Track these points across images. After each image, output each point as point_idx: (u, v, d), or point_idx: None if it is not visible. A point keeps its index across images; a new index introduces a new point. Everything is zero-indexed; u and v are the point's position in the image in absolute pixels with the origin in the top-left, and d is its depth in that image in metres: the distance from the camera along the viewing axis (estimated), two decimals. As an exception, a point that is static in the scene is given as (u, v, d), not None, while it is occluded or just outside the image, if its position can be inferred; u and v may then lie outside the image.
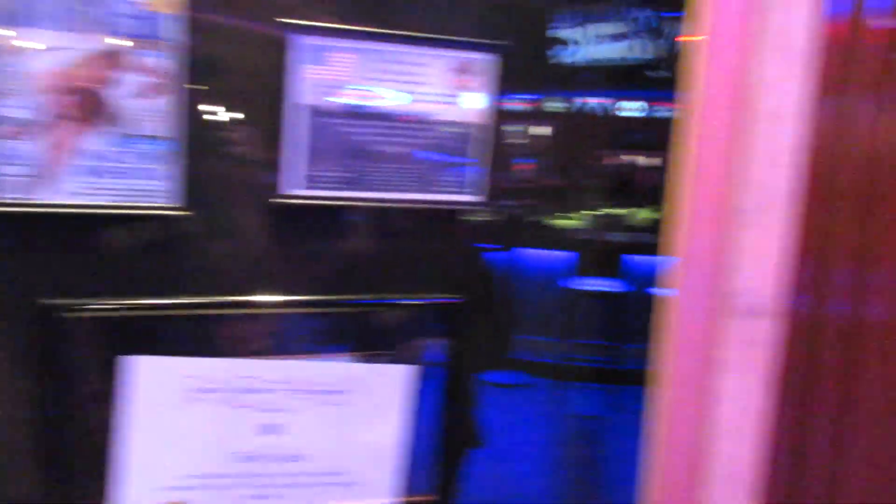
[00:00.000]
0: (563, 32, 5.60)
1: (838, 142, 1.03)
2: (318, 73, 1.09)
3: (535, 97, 6.13)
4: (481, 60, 1.13)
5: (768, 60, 0.93)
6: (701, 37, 0.92)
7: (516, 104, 6.18)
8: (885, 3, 1.03)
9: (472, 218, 1.42)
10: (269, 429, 1.16)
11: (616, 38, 5.48)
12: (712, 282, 0.98)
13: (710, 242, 0.97)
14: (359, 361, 1.21)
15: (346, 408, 1.19)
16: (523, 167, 6.08)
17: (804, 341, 1.07)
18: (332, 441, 1.19)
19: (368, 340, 1.21)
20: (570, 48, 5.60)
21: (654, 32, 5.41)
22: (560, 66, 5.68)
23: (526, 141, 6.18)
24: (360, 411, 1.20)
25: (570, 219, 5.35)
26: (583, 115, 6.20)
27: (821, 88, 0.99)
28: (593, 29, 5.55)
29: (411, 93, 1.13)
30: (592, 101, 6.16)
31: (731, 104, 0.94)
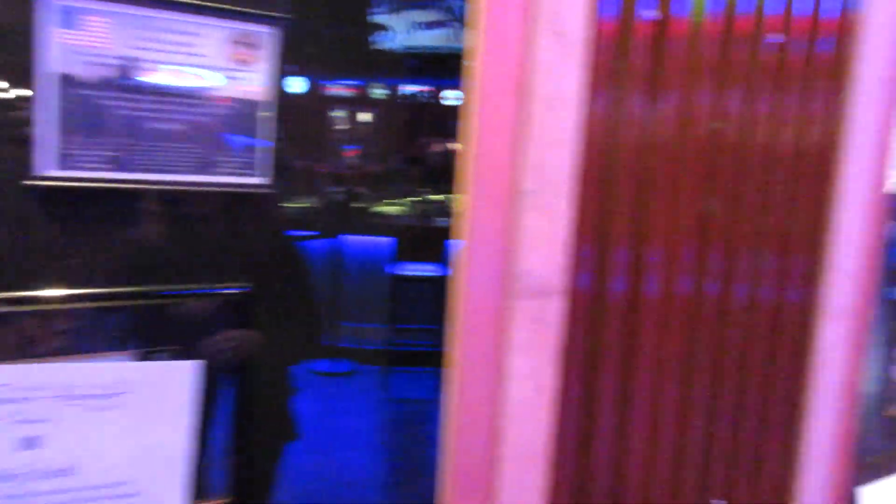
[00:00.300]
0: (381, 18, 5.58)
1: (615, 128, 1.08)
2: (75, 39, 0.97)
3: (355, 83, 6.07)
4: (261, 33, 1.06)
5: (545, 45, 0.95)
6: (482, 20, 0.92)
7: (339, 89, 6.08)
8: (656, -3, 1.09)
9: (279, 204, 1.34)
10: (29, 442, 1.02)
11: (432, 25, 5.55)
12: (500, 263, 0.99)
13: (497, 224, 0.98)
14: (137, 359, 1.10)
15: (123, 412, 1.08)
16: (347, 153, 6.01)
17: (588, 318, 1.11)
18: (108, 450, 1.08)
19: (145, 336, 1.11)
20: (388, 34, 5.59)
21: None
22: (379, 52, 5.66)
23: (346, 127, 6.10)
24: (141, 414, 1.09)
25: (393, 205, 5.36)
26: (403, 102, 6.23)
27: (597, 76, 1.03)
28: (409, 16, 5.57)
29: (185, 65, 1.03)
30: (412, 88, 6.21)
31: (512, 88, 0.95)
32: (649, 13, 1.07)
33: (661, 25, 1.09)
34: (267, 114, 1.10)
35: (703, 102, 1.15)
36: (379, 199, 5.49)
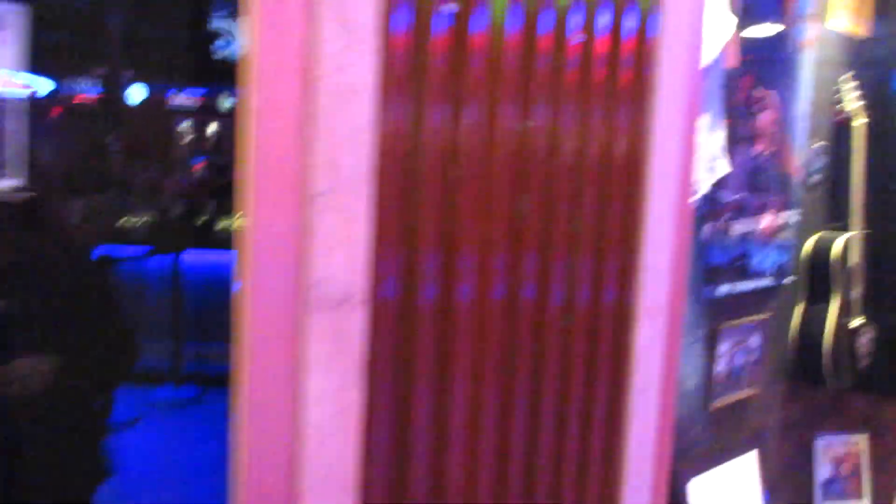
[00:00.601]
0: (219, 24, 5.34)
1: (417, 129, 1.02)
2: None
3: (193, 90, 5.76)
4: (4, 14, 0.92)
5: (330, 35, 0.87)
6: (257, 7, 0.83)
7: (177, 98, 5.77)
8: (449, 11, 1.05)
9: (69, 213, 1.18)
10: None
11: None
12: (292, 272, 0.91)
13: (287, 230, 0.89)
14: None
15: None
16: (188, 164, 5.68)
17: (396, 328, 1.05)
18: None
19: None
20: (228, 41, 5.36)
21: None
22: (219, 60, 5.41)
23: (187, 137, 5.78)
24: None
25: (240, 218, 5.12)
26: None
27: (393, 72, 0.97)
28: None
29: None
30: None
31: (296, 81, 0.87)
32: (448, 8, 1.02)
33: (461, 29, 1.05)
34: (17, 108, 0.95)
35: (508, 111, 1.13)
36: (224, 213, 5.23)
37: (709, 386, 2.38)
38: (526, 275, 1.22)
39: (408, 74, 0.99)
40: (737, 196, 2.25)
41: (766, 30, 2.25)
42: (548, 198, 1.24)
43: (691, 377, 2.27)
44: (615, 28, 1.28)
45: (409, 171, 1.02)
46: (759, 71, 2.22)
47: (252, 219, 0.87)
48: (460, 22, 1.04)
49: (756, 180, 2.33)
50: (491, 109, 1.10)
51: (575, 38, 1.21)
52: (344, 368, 0.97)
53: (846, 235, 2.72)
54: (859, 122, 2.71)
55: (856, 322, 2.83)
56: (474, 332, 1.15)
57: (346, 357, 0.97)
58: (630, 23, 1.30)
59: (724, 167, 2.04)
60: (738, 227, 2.31)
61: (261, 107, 0.86)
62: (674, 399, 1.58)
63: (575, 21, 1.21)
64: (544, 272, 1.25)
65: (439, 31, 1.02)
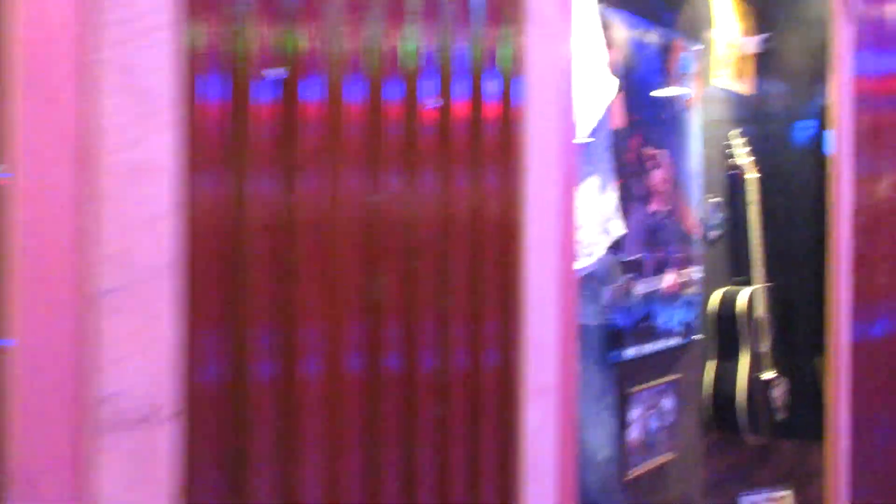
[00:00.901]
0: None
1: (239, 207, 0.90)
2: None
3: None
4: None
5: (116, 105, 0.75)
6: (18, 61, 0.70)
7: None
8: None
9: None
10: None
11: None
12: (72, 390, 0.75)
13: (63, 338, 0.74)
14: None
15: None
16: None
17: (220, 441, 0.89)
18: None
19: None
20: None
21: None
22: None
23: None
24: None
25: None
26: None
27: (205, 147, 0.85)
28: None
29: None
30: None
31: (73, 159, 0.73)
32: (272, 74, 0.92)
33: (289, 97, 0.94)
34: None
35: (352, 181, 1.02)
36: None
37: (623, 455, 2.27)
38: (390, 354, 1.09)
39: (224, 147, 0.87)
40: (636, 256, 2.20)
41: (651, 91, 2.25)
42: (409, 268, 1.12)
43: (603, 448, 2.16)
44: (475, 93, 1.20)
45: (230, 253, 0.89)
46: (646, 130, 2.21)
47: (17, 326, 0.72)
48: (288, 90, 0.94)
49: (655, 239, 2.29)
50: (332, 181, 0.99)
51: (429, 104, 1.13)
52: (149, 496, 0.80)
53: (749, 289, 2.71)
54: (751, 177, 2.74)
55: (767, 374, 2.80)
56: (320, 408, 1.01)
57: (152, 484, 0.81)
58: (492, 88, 1.23)
59: (618, 228, 1.99)
60: (641, 288, 2.25)
61: (26, 191, 0.72)
62: (574, 484, 1.46)
63: (428, 87, 1.12)
64: (411, 351, 1.13)
65: (262, 99, 0.91)
